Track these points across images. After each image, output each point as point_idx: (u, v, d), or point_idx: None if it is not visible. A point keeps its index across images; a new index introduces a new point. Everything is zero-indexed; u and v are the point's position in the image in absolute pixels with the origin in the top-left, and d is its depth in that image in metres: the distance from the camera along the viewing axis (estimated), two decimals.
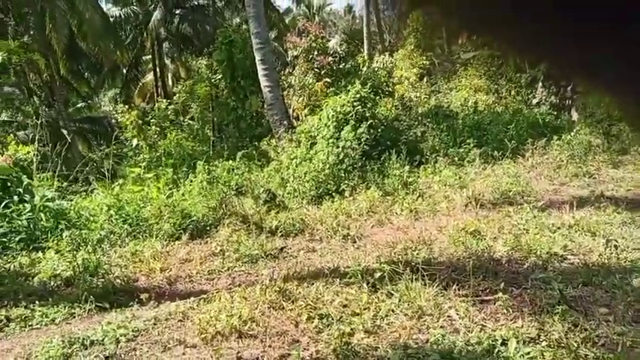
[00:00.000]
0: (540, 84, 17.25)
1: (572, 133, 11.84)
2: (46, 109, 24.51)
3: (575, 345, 3.84)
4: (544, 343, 3.92)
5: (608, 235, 6.07)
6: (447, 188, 9.28)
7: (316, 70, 16.11)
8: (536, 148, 11.96)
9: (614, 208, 7.31)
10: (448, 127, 13.33)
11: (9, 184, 8.13)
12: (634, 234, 6.41)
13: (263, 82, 13.53)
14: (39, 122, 12.33)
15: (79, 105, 29.95)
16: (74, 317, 5.07)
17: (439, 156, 11.07)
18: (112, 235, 7.57)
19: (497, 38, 0.78)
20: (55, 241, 6.86)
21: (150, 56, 29.40)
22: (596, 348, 3.83)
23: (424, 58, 20.90)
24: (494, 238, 6.50)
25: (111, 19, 26.31)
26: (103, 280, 5.82)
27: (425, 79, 20.77)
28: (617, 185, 9.11)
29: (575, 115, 15.53)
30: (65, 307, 5.18)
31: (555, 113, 15.47)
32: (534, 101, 16.98)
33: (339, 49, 19.02)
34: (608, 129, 13.15)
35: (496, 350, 3.86)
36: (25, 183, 8.15)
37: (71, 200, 8.82)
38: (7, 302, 5.31)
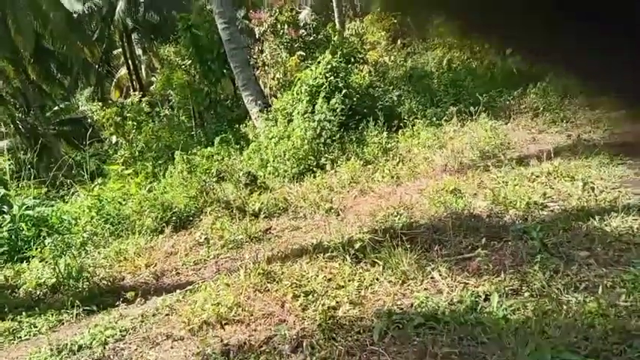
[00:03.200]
0: None
1: (547, 79, 11.75)
2: (22, 116, 24.09)
3: (557, 292, 3.89)
4: (526, 294, 3.97)
5: (587, 178, 6.09)
6: (426, 150, 9.23)
7: (287, 44, 15.84)
8: (513, 98, 11.94)
9: (591, 150, 7.33)
10: (424, 88, 13.23)
11: None
12: (612, 173, 6.45)
13: (232, 63, 13.29)
14: (12, 131, 12.14)
15: (55, 108, 29.45)
16: (62, 324, 5.06)
17: (417, 118, 10.97)
18: (95, 237, 7.54)
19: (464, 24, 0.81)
20: (39, 250, 6.80)
21: (120, 49, 28.88)
22: (577, 292, 3.88)
23: (393, 19, 20.54)
24: (474, 194, 6.52)
25: (74, 15, 25.67)
26: (88, 283, 5.80)
27: (399, 42, 20.49)
28: (594, 127, 9.10)
29: None
30: (53, 314, 5.17)
31: (530, 61, 15.34)
32: (508, 51, 16.78)
33: (309, 21, 18.68)
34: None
35: (479, 307, 3.89)
36: (1, 194, 8.05)
37: (52, 206, 8.73)
38: None
